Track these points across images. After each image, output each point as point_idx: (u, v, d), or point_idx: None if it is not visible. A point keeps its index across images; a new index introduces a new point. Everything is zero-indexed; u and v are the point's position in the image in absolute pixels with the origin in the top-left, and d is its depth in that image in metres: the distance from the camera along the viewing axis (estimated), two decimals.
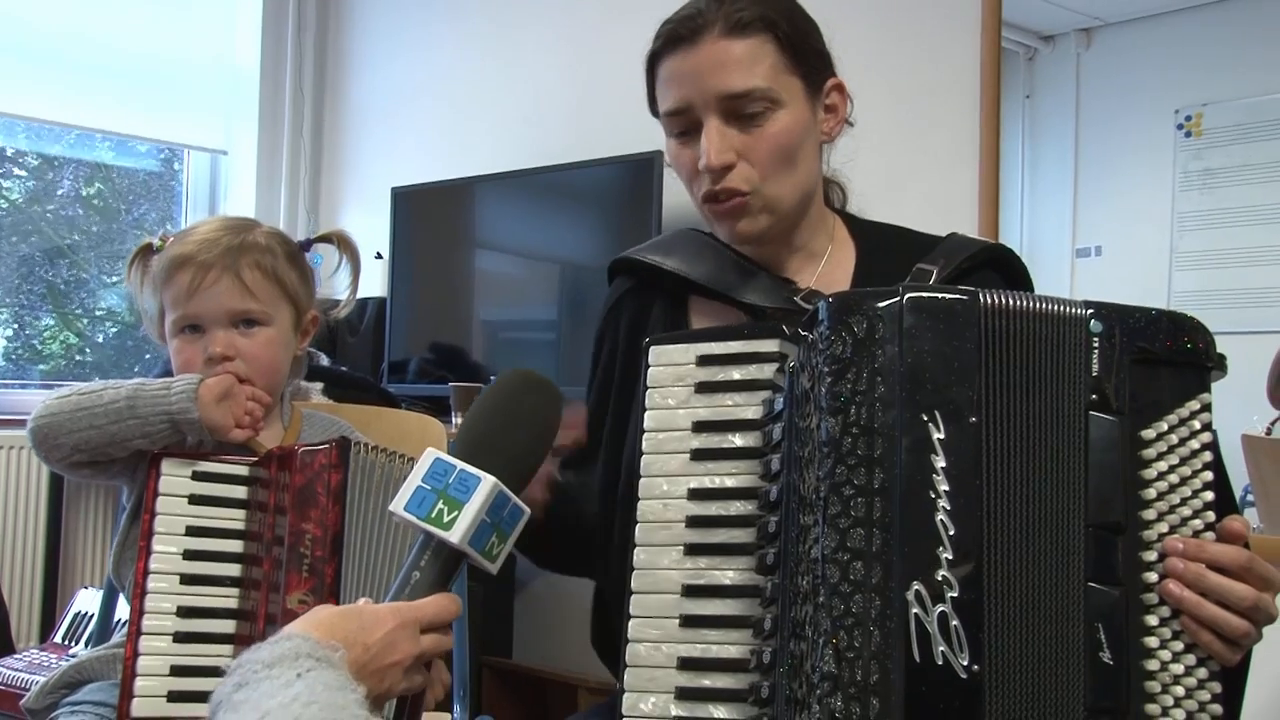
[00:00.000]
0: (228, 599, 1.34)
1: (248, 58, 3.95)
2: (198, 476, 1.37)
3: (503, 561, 1.07)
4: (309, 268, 1.55)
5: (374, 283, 3.61)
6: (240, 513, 1.37)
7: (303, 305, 1.52)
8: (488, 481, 1.03)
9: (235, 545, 1.36)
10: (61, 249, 3.74)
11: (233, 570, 1.35)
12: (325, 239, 1.60)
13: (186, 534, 1.34)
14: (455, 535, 1.01)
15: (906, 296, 0.98)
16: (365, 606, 1.01)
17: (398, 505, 1.03)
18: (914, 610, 0.91)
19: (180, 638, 1.31)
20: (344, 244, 1.61)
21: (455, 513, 1.02)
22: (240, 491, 1.38)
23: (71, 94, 3.57)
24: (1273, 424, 2.15)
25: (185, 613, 1.32)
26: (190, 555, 1.34)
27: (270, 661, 0.88)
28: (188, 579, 1.33)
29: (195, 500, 1.36)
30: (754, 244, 1.34)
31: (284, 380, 1.52)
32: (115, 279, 3.90)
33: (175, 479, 1.36)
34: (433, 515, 1.02)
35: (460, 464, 1.04)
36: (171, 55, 3.78)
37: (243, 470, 1.38)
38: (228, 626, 1.33)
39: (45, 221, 3.70)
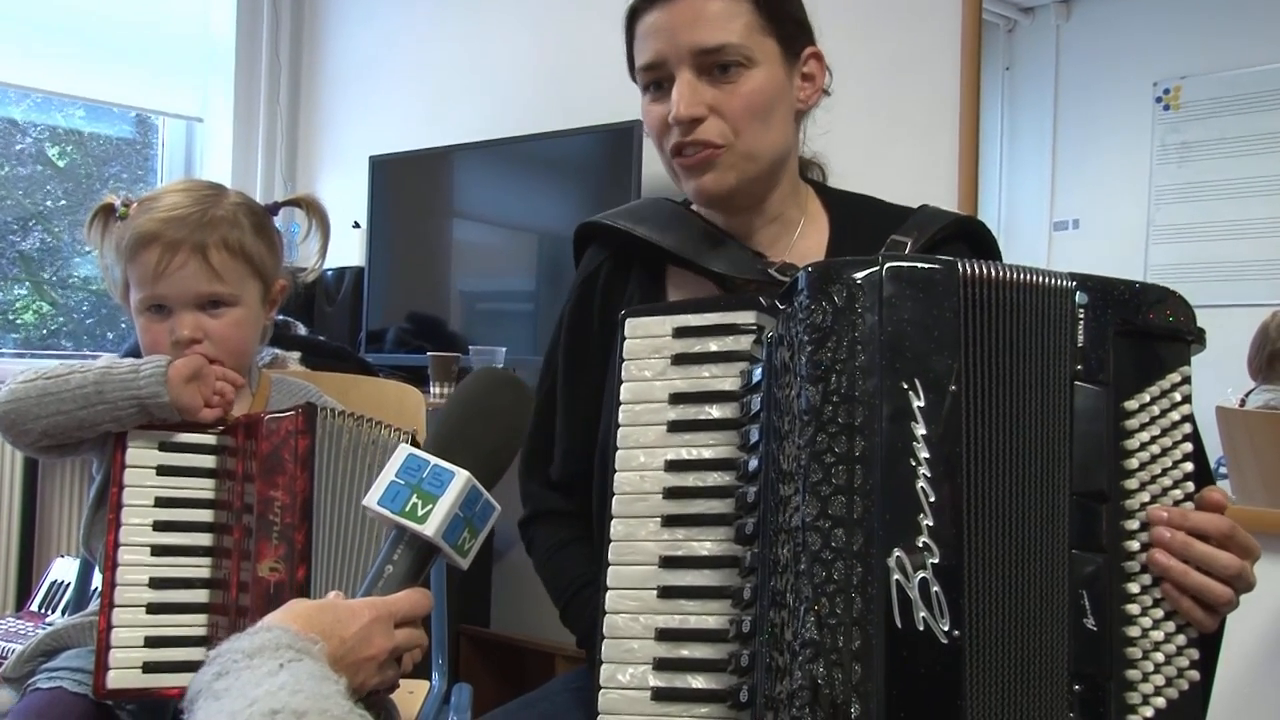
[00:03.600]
0: (200, 569, 1.34)
1: (223, 24, 3.90)
2: (165, 447, 1.36)
3: (473, 557, 1.07)
4: (277, 234, 1.52)
5: (351, 252, 3.59)
6: (209, 482, 1.37)
7: (270, 277, 1.49)
8: (461, 476, 1.04)
9: (205, 515, 1.36)
10: (34, 216, 3.70)
11: (204, 540, 1.35)
12: (294, 203, 1.58)
13: (156, 505, 1.34)
14: (429, 528, 1.02)
15: (886, 266, 0.98)
16: (340, 601, 1.01)
17: (371, 500, 1.04)
18: (895, 576, 0.92)
19: (154, 609, 1.30)
20: (312, 208, 1.59)
21: (429, 506, 1.02)
22: (209, 461, 1.37)
23: (44, 59, 3.52)
24: (1247, 395, 2.17)
25: (157, 584, 1.32)
26: (160, 526, 1.33)
27: (251, 651, 0.88)
28: (158, 550, 1.33)
29: (163, 471, 1.35)
30: (720, 204, 1.33)
31: (253, 356, 1.51)
32: (88, 247, 3.86)
33: (142, 450, 1.35)
34: (406, 509, 1.02)
35: (434, 459, 1.05)
36: (146, 21, 3.73)
37: (210, 439, 1.37)
38: (201, 596, 1.33)
39: (18, 188, 3.65)
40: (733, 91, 1.26)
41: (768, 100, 1.27)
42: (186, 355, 1.39)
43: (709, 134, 1.26)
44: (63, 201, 3.78)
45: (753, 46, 1.26)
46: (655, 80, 1.30)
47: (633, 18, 1.32)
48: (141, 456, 1.35)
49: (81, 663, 1.36)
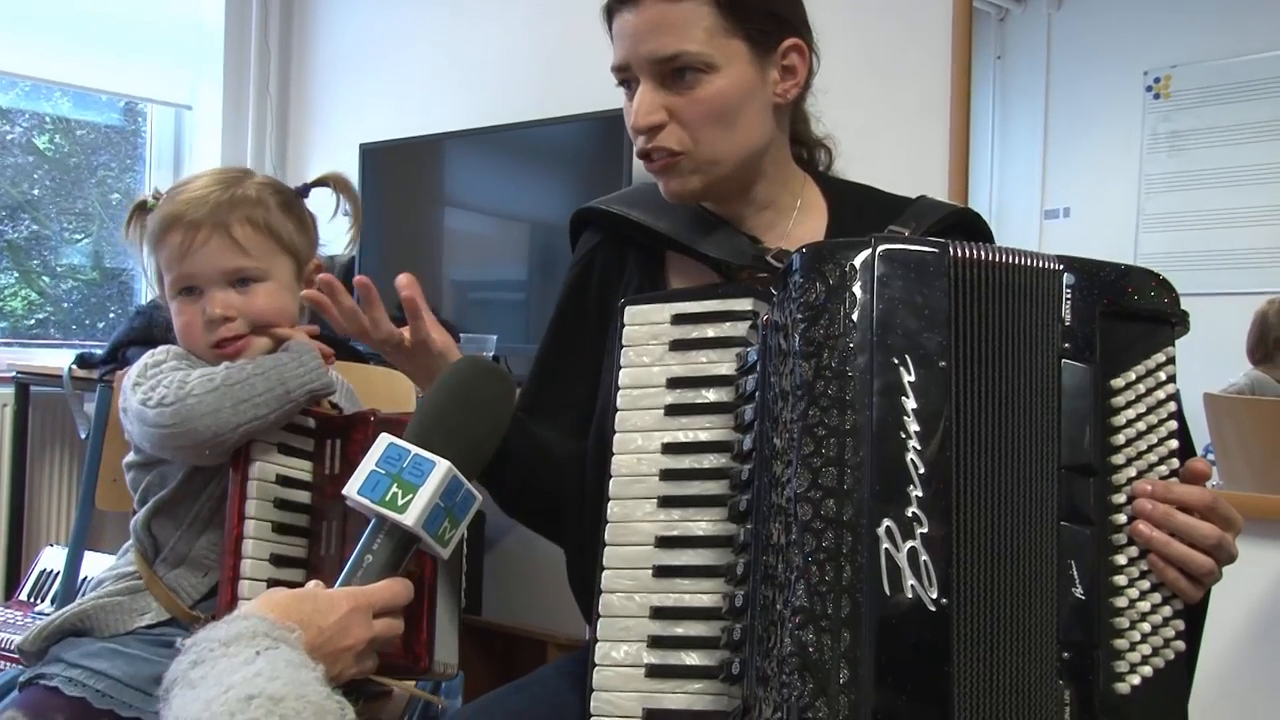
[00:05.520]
0: (301, 549, 1.36)
1: (212, 11, 3.88)
2: (284, 427, 1.38)
3: (454, 547, 1.08)
4: (308, 215, 1.52)
5: (342, 240, 3.58)
6: (308, 464, 1.39)
7: (302, 255, 1.49)
8: (441, 466, 1.04)
9: (305, 496, 1.38)
10: (21, 204, 3.68)
11: (304, 520, 1.37)
12: (321, 183, 1.57)
13: (278, 483, 1.35)
14: (409, 518, 1.02)
15: (879, 248, 1.00)
16: (319, 590, 1.01)
17: (351, 489, 1.04)
18: (884, 546, 0.93)
19: (274, 586, 1.30)
20: (341, 186, 1.57)
21: (409, 496, 1.02)
22: (307, 443, 1.39)
23: (32, 46, 3.51)
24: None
25: (279, 561, 1.33)
26: (281, 505, 1.35)
27: (227, 640, 0.88)
28: (279, 528, 1.34)
29: (284, 450, 1.37)
30: (691, 202, 1.34)
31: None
32: (78, 236, 3.85)
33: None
34: (386, 499, 1.02)
35: (414, 449, 1.05)
36: (135, 8, 3.71)
37: (310, 422, 1.40)
38: (301, 576, 1.34)
39: (5, 176, 3.64)
40: (691, 98, 1.25)
41: (730, 104, 1.26)
42: (221, 336, 1.40)
43: (667, 142, 1.26)
44: (51, 189, 3.77)
45: (713, 52, 1.24)
46: (624, 80, 1.31)
47: (608, 17, 1.32)
48: (268, 434, 1.36)
49: (104, 665, 1.34)
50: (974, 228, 1.37)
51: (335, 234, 1.61)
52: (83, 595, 1.45)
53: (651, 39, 1.24)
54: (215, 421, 1.31)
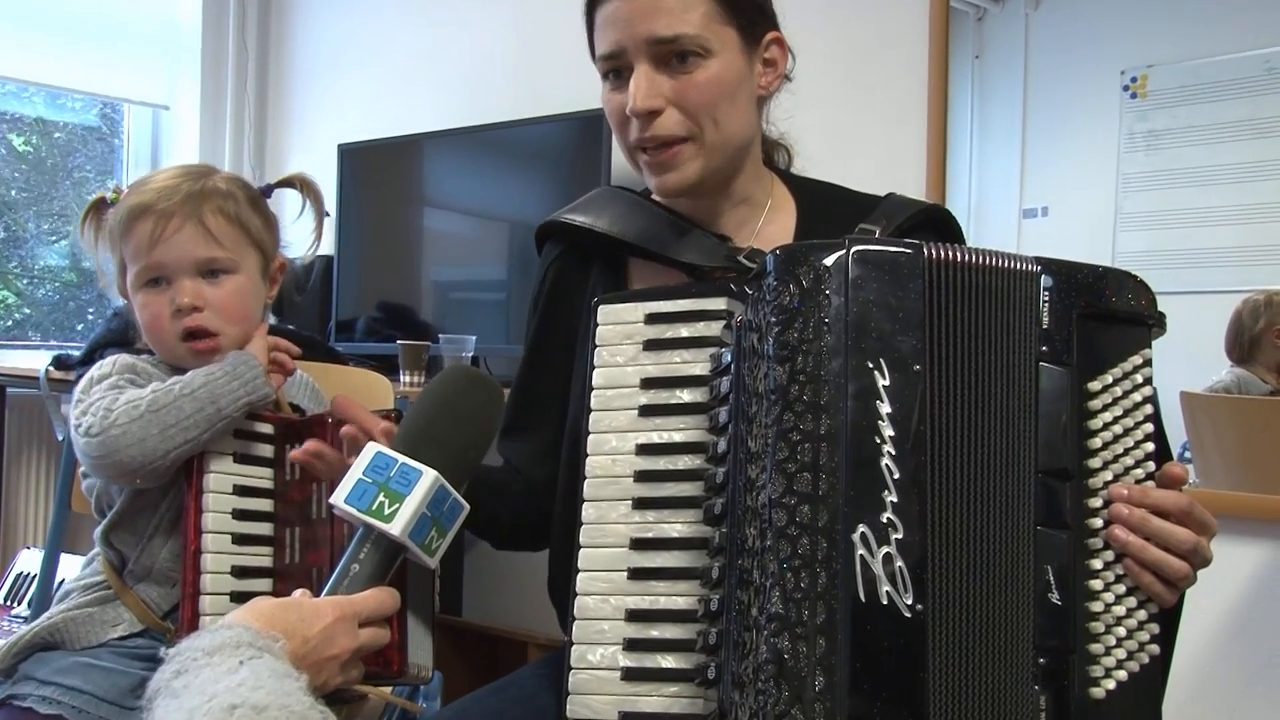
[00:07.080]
0: (264, 557, 1.34)
1: (189, 10, 3.86)
2: (238, 435, 1.36)
3: (441, 555, 1.07)
4: (272, 213, 1.51)
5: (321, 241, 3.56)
6: (269, 471, 1.37)
7: (269, 251, 1.48)
8: (429, 475, 1.03)
9: (266, 504, 1.36)
10: None
11: (267, 529, 1.35)
12: (287, 183, 1.55)
13: (235, 494, 1.33)
14: (396, 528, 1.01)
15: (852, 249, 0.99)
16: (304, 599, 1.01)
17: (338, 498, 1.03)
18: (859, 552, 0.93)
19: (237, 598, 1.30)
20: (306, 187, 1.56)
21: (396, 505, 1.02)
22: (267, 450, 1.38)
23: (7, 45, 3.48)
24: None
25: (239, 572, 1.31)
26: (239, 515, 1.33)
27: (211, 649, 0.87)
28: (239, 539, 1.32)
29: (240, 459, 1.35)
30: (683, 196, 1.33)
31: (255, 327, 1.47)
32: (54, 237, 3.82)
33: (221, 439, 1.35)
34: (373, 508, 1.02)
35: (402, 458, 1.04)
36: (111, 7, 3.69)
37: (268, 429, 1.38)
38: (266, 585, 1.33)
39: None
40: (690, 82, 1.24)
41: (727, 90, 1.26)
42: (188, 326, 1.38)
43: (668, 127, 1.25)
44: (28, 191, 3.74)
45: (710, 36, 1.24)
46: (614, 69, 1.28)
47: (592, 6, 1.30)
48: (221, 444, 1.34)
49: (79, 680, 1.32)
50: (944, 225, 1.37)
51: (300, 235, 1.59)
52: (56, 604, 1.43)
53: (649, 21, 1.23)
54: (141, 451, 1.29)
